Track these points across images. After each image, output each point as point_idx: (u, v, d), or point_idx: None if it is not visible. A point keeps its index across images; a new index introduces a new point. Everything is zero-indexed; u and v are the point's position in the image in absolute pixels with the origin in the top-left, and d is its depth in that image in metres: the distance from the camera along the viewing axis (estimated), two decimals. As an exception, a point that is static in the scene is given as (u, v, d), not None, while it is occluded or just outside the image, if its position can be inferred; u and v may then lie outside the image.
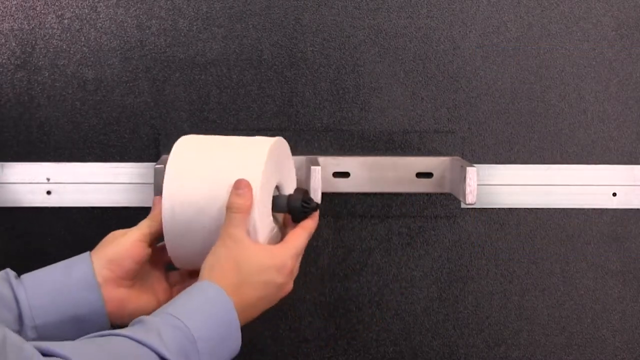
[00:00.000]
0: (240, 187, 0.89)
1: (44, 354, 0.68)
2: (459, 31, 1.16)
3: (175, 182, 0.92)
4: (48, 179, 1.15)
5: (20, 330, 0.86)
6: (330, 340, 1.20)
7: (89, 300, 0.89)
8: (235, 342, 0.84)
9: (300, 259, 0.93)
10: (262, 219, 0.91)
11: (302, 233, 0.93)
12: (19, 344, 0.66)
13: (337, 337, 1.20)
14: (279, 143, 0.97)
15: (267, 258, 0.88)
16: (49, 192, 1.15)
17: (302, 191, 0.97)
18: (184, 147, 0.95)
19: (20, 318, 0.86)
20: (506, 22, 1.16)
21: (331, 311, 1.19)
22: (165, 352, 0.75)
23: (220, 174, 0.91)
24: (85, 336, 0.76)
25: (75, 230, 1.16)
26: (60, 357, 0.68)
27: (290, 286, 0.91)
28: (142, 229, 0.93)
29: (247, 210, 0.88)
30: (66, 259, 0.98)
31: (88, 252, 0.92)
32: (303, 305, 1.19)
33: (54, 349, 0.69)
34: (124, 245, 0.91)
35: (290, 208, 0.95)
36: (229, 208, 0.88)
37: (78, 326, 0.88)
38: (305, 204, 0.94)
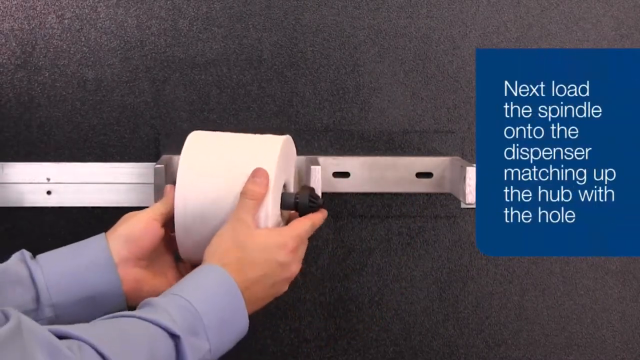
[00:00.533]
0: (258, 175, 0.91)
1: (59, 337, 0.68)
2: (459, 31, 1.16)
3: (188, 176, 0.93)
4: (48, 179, 1.15)
5: (37, 309, 0.87)
6: (330, 340, 1.20)
7: (106, 279, 0.90)
8: (241, 319, 0.85)
9: (305, 243, 0.94)
10: (273, 208, 0.93)
11: (307, 221, 0.94)
12: (34, 328, 0.66)
13: (337, 337, 1.20)
14: (288, 142, 0.99)
15: (268, 237, 0.90)
16: (49, 192, 1.15)
17: (309, 189, 0.98)
18: (196, 141, 0.97)
19: (37, 297, 0.87)
20: (506, 22, 1.16)
21: (331, 311, 1.19)
22: (175, 329, 0.77)
23: (234, 168, 0.93)
24: (97, 319, 0.77)
25: (75, 230, 1.16)
26: (75, 338, 0.69)
27: (296, 267, 0.92)
28: (156, 209, 0.94)
29: (261, 198, 0.91)
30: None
31: (103, 233, 0.93)
32: (303, 305, 1.19)
33: (67, 331, 0.70)
34: (139, 224, 0.92)
35: (298, 204, 0.96)
36: (244, 194, 0.90)
37: (95, 305, 0.89)
38: (312, 200, 0.96)
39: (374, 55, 1.16)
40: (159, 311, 0.78)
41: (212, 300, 0.82)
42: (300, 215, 0.97)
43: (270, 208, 0.92)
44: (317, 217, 0.96)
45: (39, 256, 0.90)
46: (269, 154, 0.94)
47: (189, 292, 0.82)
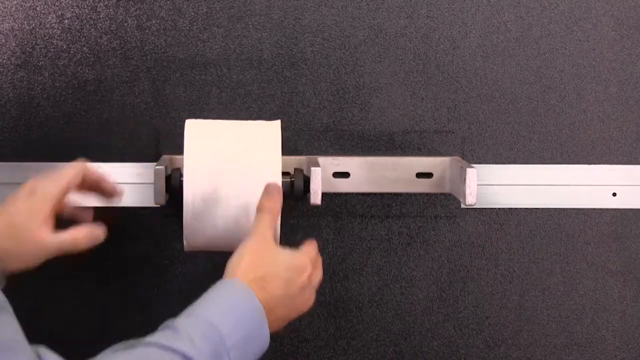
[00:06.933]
0: (271, 191, 0.94)
1: None
2: (459, 31, 1.16)
3: (195, 173, 0.96)
4: (48, 179, 1.15)
5: None
6: (330, 340, 1.20)
7: None
8: (264, 339, 0.86)
9: (319, 267, 0.95)
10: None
11: (312, 243, 0.95)
12: None
13: (337, 337, 1.20)
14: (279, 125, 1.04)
15: (289, 257, 0.91)
16: (49, 192, 1.15)
17: (301, 171, 1.04)
18: (196, 135, 0.99)
19: None
20: (506, 22, 1.16)
21: (331, 311, 1.19)
22: (197, 358, 0.77)
23: (237, 163, 0.97)
24: (115, 347, 0.77)
25: (76, 230, 1.16)
26: None
27: (312, 295, 0.93)
28: (47, 203, 0.96)
29: (278, 213, 0.94)
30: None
31: None
32: (303, 305, 1.19)
33: None
34: (27, 241, 0.94)
35: (294, 186, 1.03)
36: (261, 209, 0.92)
37: None
38: (306, 183, 1.03)
39: (374, 55, 1.16)
40: (181, 337, 0.78)
41: (237, 321, 0.82)
42: (298, 197, 1.03)
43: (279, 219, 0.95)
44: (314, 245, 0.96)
45: None
46: (272, 159, 0.98)
47: (213, 312, 0.82)
